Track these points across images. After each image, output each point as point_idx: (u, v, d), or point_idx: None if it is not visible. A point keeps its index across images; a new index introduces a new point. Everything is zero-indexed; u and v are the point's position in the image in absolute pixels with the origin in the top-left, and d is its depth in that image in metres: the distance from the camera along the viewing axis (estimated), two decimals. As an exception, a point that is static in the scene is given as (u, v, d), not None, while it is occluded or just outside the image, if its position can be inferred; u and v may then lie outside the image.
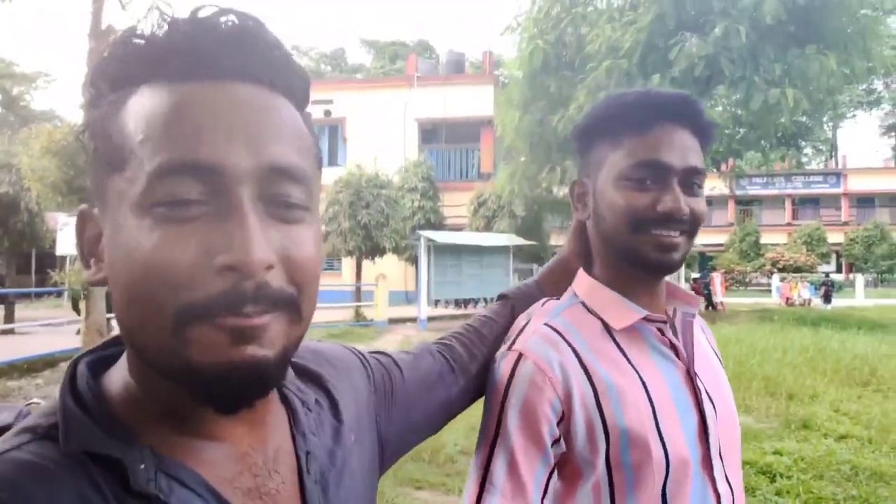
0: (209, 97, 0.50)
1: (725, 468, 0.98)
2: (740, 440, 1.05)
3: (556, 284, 1.13)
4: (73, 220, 11.11)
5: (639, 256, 0.98)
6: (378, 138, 23.44)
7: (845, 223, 41.14)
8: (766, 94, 12.39)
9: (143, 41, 0.51)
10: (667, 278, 1.05)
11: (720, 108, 14.96)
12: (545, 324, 1.00)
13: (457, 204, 21.99)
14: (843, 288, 34.08)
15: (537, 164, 15.79)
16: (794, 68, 12.60)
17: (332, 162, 24.49)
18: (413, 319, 16.88)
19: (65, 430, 0.51)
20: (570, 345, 0.97)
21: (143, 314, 0.49)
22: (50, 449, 0.51)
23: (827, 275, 30.89)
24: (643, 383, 0.96)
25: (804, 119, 18.84)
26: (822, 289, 26.35)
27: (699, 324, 1.12)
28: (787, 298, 26.68)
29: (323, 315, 14.50)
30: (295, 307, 0.52)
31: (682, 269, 23.42)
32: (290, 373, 0.68)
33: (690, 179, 0.97)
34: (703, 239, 36.21)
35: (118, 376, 0.57)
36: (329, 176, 18.80)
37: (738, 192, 37.63)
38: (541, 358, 0.95)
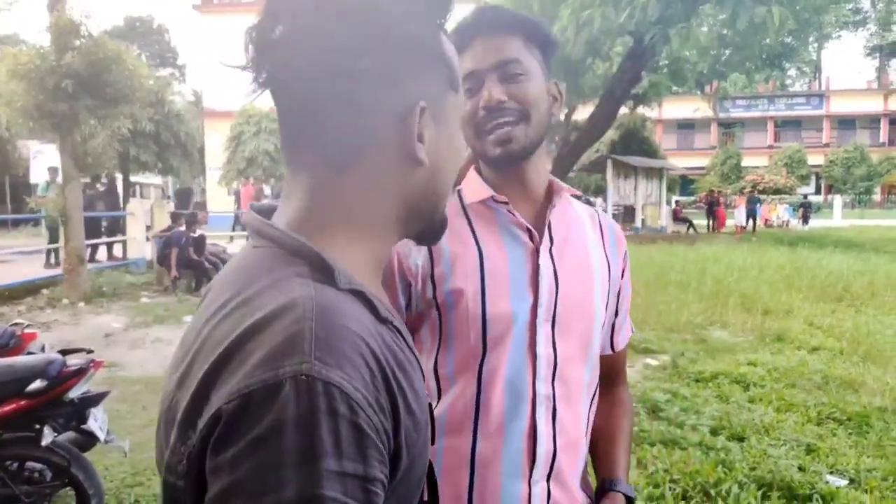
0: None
1: (557, 338, 1.12)
2: (592, 322, 1.17)
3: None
4: (45, 148, 10.78)
5: (485, 156, 1.14)
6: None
7: (826, 145, 41.30)
8: (752, 12, 12.14)
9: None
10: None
11: (706, 28, 14.67)
12: None
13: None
14: (821, 209, 34.54)
15: (520, 87, 15.52)
16: (782, -15, 12.31)
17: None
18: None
19: (338, 272, 0.63)
20: None
21: (452, 175, 0.75)
22: (332, 290, 0.61)
23: (805, 196, 31.25)
24: (480, 253, 1.12)
25: (789, 39, 18.54)
26: (801, 210, 26.70)
27: (598, 221, 1.26)
28: (766, 220, 27.02)
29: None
30: None
31: (664, 192, 23.56)
32: None
33: (507, 70, 1.10)
34: (684, 162, 36.22)
35: (310, 238, 0.66)
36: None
37: (722, 115, 37.45)
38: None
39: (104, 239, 13.60)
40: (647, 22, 12.76)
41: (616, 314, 1.27)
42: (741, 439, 4.03)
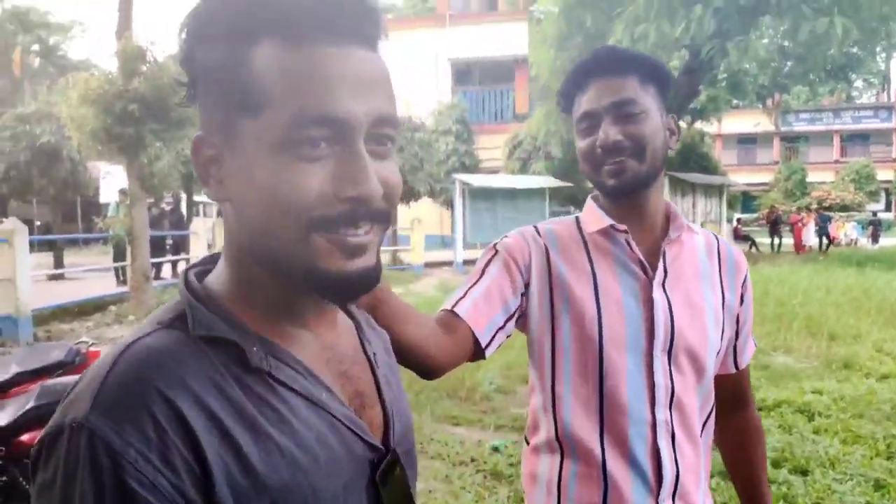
0: (336, 61, 0.60)
1: (673, 368, 1.20)
2: (706, 353, 1.23)
3: None
4: (114, 169, 11.19)
5: (601, 186, 1.23)
6: (410, 80, 23.15)
7: (896, 160, 39.58)
8: (814, 23, 11.79)
9: None
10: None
11: (766, 41, 14.33)
12: (532, 226, 1.30)
13: (492, 146, 21.71)
14: (892, 227, 33.04)
15: (574, 104, 15.40)
16: (844, -6, 11.93)
17: (366, 106, 24.29)
18: (450, 263, 16.95)
19: (192, 319, 0.63)
20: (544, 243, 1.26)
21: (278, 227, 0.61)
22: (176, 336, 0.61)
23: (874, 213, 29.97)
24: (595, 283, 1.21)
25: (855, 50, 17.91)
26: (870, 228, 25.61)
27: (717, 248, 1.31)
28: (833, 238, 26.01)
29: (360, 259, 14.62)
30: (387, 219, 0.66)
31: (724, 210, 22.99)
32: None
33: (623, 111, 1.17)
34: (746, 178, 35.30)
35: (219, 281, 0.68)
36: (363, 120, 18.59)
37: (784, 129, 36.41)
38: (516, 239, 1.27)
39: (169, 257, 14.08)
40: (704, 35, 12.55)
41: (737, 336, 1.32)
42: (804, 472, 3.86)
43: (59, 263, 14.56)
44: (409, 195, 17.66)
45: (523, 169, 20.08)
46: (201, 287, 0.67)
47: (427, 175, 17.49)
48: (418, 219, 16.77)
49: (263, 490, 0.59)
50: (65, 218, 17.53)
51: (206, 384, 0.59)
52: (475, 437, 4.50)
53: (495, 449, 4.26)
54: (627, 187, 1.18)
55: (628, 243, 1.22)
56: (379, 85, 0.63)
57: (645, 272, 1.21)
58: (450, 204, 18.54)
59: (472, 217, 16.75)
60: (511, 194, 17.24)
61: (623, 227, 1.21)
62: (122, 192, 12.82)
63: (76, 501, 0.52)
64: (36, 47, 33.23)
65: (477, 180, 17.40)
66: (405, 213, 18.17)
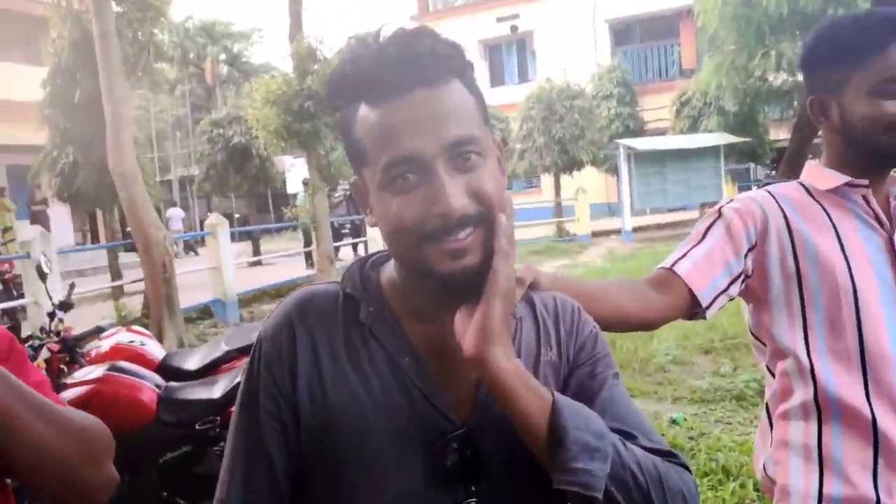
0: (401, 111, 0.77)
1: None
2: None
3: None
4: (298, 162, 12.25)
5: (884, 150, 1.20)
6: (568, 47, 22.64)
7: None
8: None
9: (353, 67, 0.81)
10: None
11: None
12: (764, 189, 1.31)
13: (658, 106, 20.72)
14: None
15: (748, 51, 14.14)
16: None
17: (522, 78, 24.20)
18: (617, 231, 16.56)
19: (344, 279, 0.91)
20: (779, 204, 1.27)
21: (400, 243, 0.81)
22: (333, 289, 0.91)
23: None
24: (839, 239, 1.22)
25: None
26: None
27: None
28: None
29: (524, 233, 14.75)
30: (484, 219, 0.79)
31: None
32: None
33: None
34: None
35: (388, 267, 0.92)
36: (520, 93, 18.64)
37: None
38: (745, 202, 1.28)
39: (349, 240, 15.07)
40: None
41: None
42: None
43: (256, 251, 16.14)
44: (572, 164, 17.42)
45: (693, 127, 18.96)
46: (373, 264, 0.93)
47: (589, 143, 17.15)
48: (582, 188, 16.51)
49: (327, 402, 0.83)
50: (259, 209, 19.46)
51: (321, 325, 0.87)
52: (651, 409, 4.44)
53: (674, 422, 4.18)
54: None
55: (865, 199, 1.24)
56: (443, 116, 0.78)
57: (882, 226, 1.24)
58: (615, 171, 18.03)
59: (638, 183, 16.17)
60: (681, 155, 16.39)
61: (864, 181, 1.23)
62: (305, 182, 13.94)
63: (246, 371, 0.89)
64: (223, 56, 36.62)
65: (642, 143, 16.73)
66: (569, 183, 17.94)
